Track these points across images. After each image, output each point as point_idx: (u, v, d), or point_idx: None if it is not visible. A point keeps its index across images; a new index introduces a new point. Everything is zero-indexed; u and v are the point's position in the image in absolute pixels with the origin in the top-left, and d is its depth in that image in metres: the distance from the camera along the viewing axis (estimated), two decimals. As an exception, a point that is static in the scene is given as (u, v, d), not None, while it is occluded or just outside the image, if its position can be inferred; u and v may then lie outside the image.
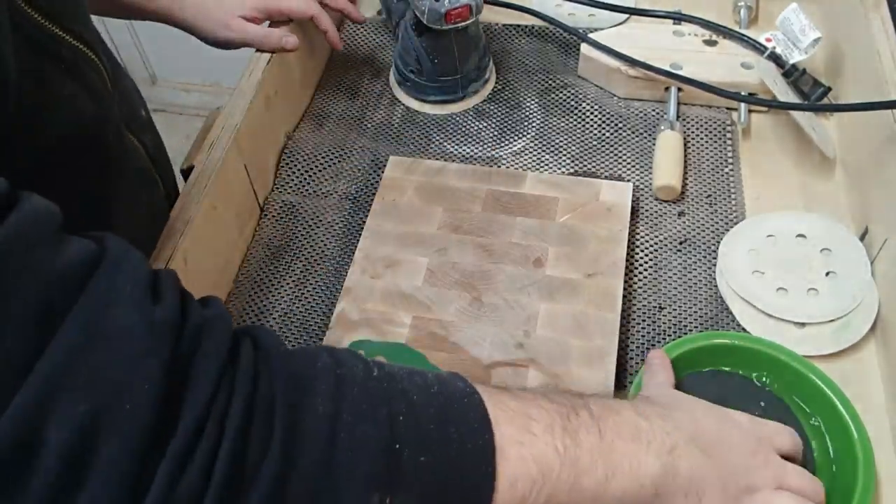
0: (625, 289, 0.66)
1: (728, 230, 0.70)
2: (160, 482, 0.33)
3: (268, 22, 0.80)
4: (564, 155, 0.78)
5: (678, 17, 0.85)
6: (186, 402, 0.35)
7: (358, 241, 0.71)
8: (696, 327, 0.65)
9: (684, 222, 0.72)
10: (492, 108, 0.84)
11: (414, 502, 0.39)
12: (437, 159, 0.79)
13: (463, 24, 0.75)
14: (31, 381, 0.32)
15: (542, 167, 0.78)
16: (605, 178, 0.75)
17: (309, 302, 0.69)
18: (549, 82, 0.86)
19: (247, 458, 0.35)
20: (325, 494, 0.37)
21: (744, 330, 0.64)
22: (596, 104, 0.83)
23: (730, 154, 0.77)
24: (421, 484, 0.39)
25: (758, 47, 0.80)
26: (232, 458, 0.35)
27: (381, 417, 0.39)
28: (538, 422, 0.43)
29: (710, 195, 0.74)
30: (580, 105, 0.83)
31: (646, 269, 0.69)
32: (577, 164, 0.77)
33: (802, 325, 0.63)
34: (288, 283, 0.71)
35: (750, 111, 0.80)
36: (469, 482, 0.40)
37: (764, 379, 0.59)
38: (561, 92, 0.85)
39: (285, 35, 0.78)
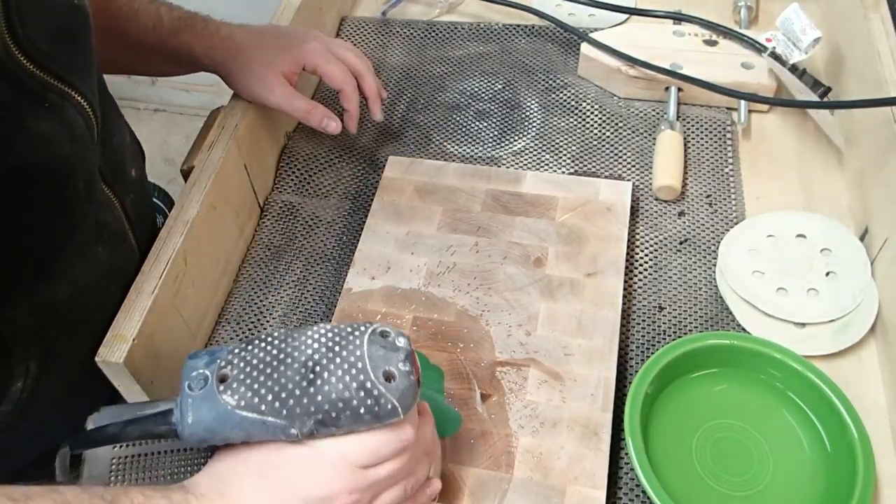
0: (625, 288, 0.66)
1: (728, 230, 0.70)
2: None
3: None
4: (564, 155, 0.78)
5: (678, 17, 0.85)
6: None
7: (358, 241, 0.71)
8: (696, 327, 0.65)
9: (684, 222, 0.72)
10: (492, 108, 0.84)
11: None
12: (437, 159, 0.79)
13: None
14: None
15: (542, 167, 0.78)
16: (605, 177, 0.75)
17: (309, 302, 0.69)
18: (549, 82, 0.86)
19: None
20: None
21: (744, 330, 0.64)
22: (596, 104, 0.83)
23: (730, 154, 0.77)
24: None
25: (758, 47, 0.80)
26: None
27: None
28: None
29: (710, 195, 0.74)
30: (580, 105, 0.83)
31: (646, 269, 0.69)
32: (577, 164, 0.77)
33: (802, 325, 0.63)
34: (288, 283, 0.71)
35: (750, 111, 0.80)
36: None
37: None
38: (561, 92, 0.85)
39: (327, 116, 0.72)
